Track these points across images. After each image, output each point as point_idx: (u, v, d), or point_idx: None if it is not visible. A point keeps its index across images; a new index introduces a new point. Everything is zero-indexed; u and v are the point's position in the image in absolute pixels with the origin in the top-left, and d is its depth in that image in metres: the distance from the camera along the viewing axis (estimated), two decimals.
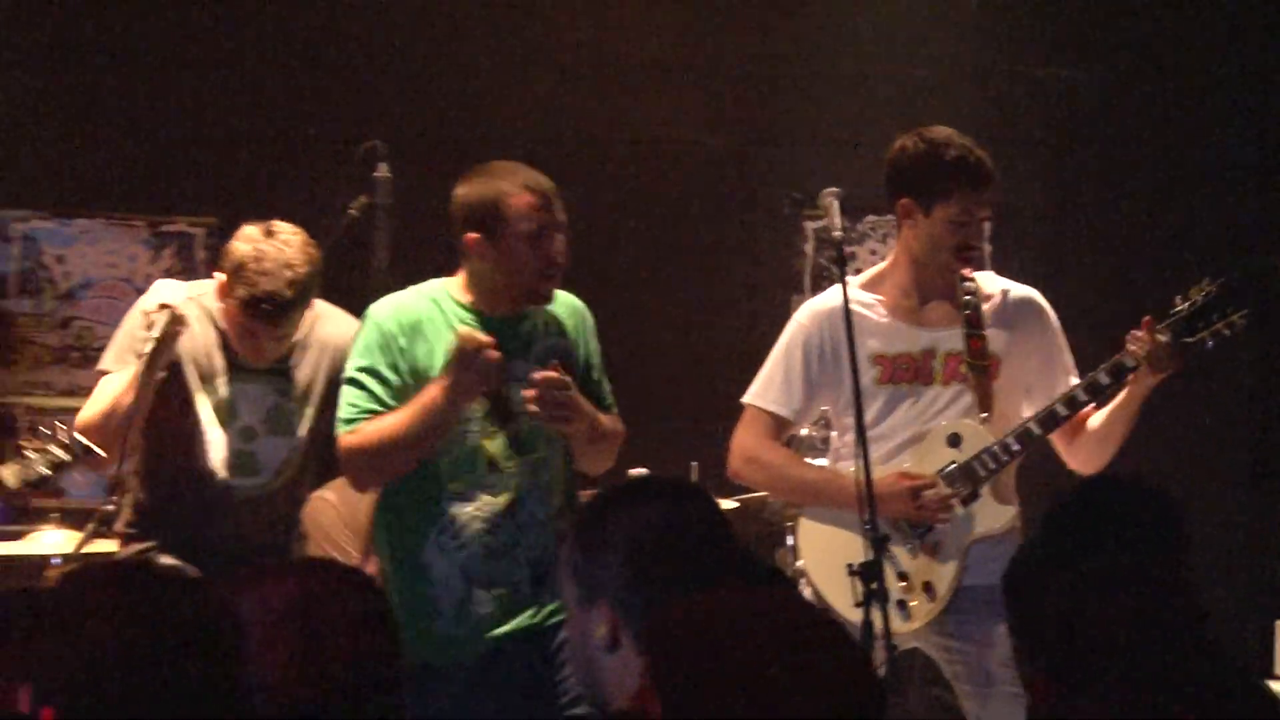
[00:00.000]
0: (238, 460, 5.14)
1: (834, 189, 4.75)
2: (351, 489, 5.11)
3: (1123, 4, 7.59)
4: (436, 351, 4.68)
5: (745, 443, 5.15)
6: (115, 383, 5.01)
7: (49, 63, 7.47)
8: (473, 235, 4.66)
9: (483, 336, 4.58)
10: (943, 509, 4.87)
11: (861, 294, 5.03)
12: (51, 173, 7.48)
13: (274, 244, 4.91)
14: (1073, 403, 4.92)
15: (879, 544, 4.38)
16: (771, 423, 5.14)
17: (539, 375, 4.60)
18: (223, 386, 5.15)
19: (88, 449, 4.96)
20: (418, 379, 4.67)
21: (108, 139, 7.47)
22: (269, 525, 5.19)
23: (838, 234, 4.66)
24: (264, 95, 7.50)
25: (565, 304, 4.87)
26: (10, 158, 7.23)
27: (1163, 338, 4.83)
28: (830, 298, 5.08)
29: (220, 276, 4.97)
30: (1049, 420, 4.91)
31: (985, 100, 7.32)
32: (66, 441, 4.98)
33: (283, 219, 5.00)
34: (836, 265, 4.64)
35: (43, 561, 6.20)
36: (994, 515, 4.97)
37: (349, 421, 4.70)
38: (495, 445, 4.71)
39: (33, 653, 2.53)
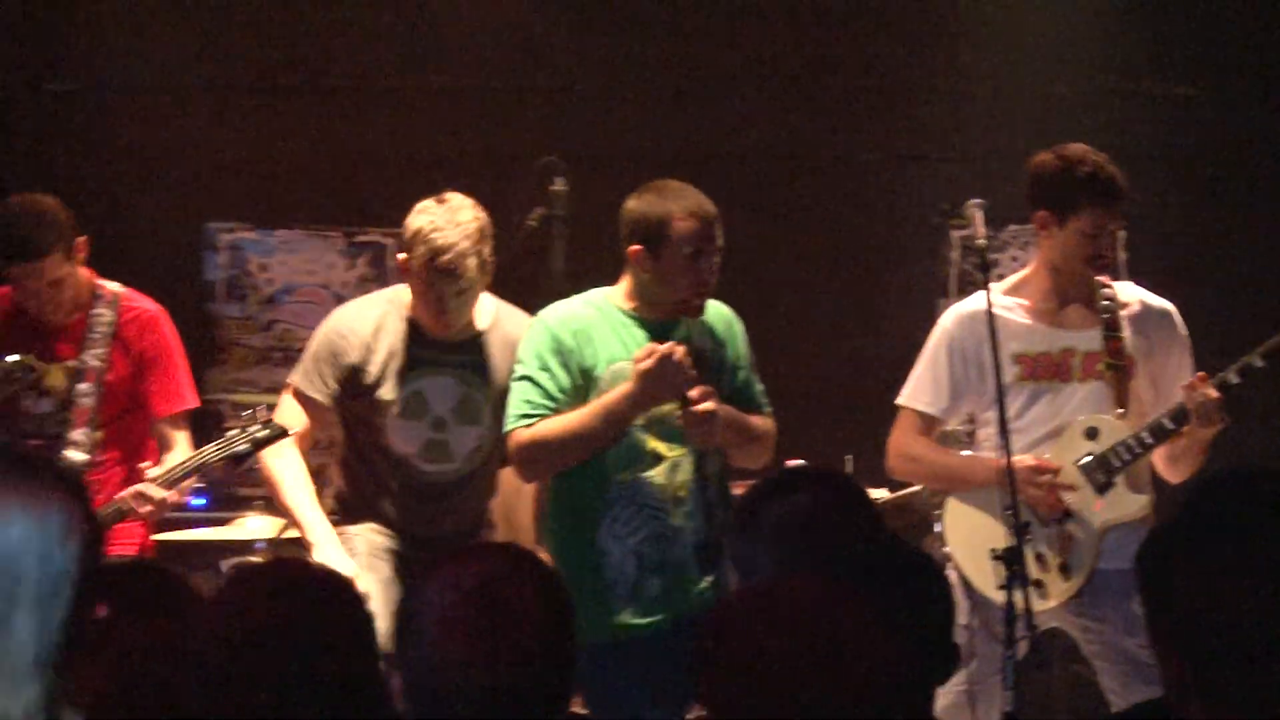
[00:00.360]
0: (431, 449, 5.18)
1: (978, 200, 4.81)
2: (512, 482, 5.23)
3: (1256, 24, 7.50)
4: (600, 353, 4.75)
5: (898, 441, 5.20)
6: (291, 410, 5.22)
7: (253, 93, 7.62)
8: (637, 248, 4.74)
9: (668, 345, 4.64)
10: (1052, 497, 4.90)
11: (1004, 299, 5.06)
12: (255, 189, 7.62)
13: (445, 208, 5.00)
14: (1180, 415, 4.96)
15: (1020, 530, 4.44)
16: (921, 421, 5.17)
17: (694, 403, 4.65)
18: (414, 380, 5.18)
19: (284, 431, 5.10)
20: (585, 378, 4.74)
21: (306, 159, 7.62)
22: (462, 511, 5.26)
23: (981, 242, 4.74)
24: (452, 117, 7.58)
25: (716, 311, 4.92)
26: (218, 176, 7.35)
27: (1211, 394, 4.86)
28: (973, 302, 5.12)
29: (402, 256, 5.08)
30: (1181, 416, 4.92)
31: (1119, 117, 7.23)
32: (266, 422, 5.10)
33: None
34: (980, 271, 4.73)
35: (247, 546, 6.23)
36: (1127, 503, 4.97)
37: (524, 416, 4.76)
38: (658, 438, 4.76)
39: (180, 630, 2.65)
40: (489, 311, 5.18)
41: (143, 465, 5.14)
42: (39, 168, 7.06)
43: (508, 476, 5.28)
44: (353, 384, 5.13)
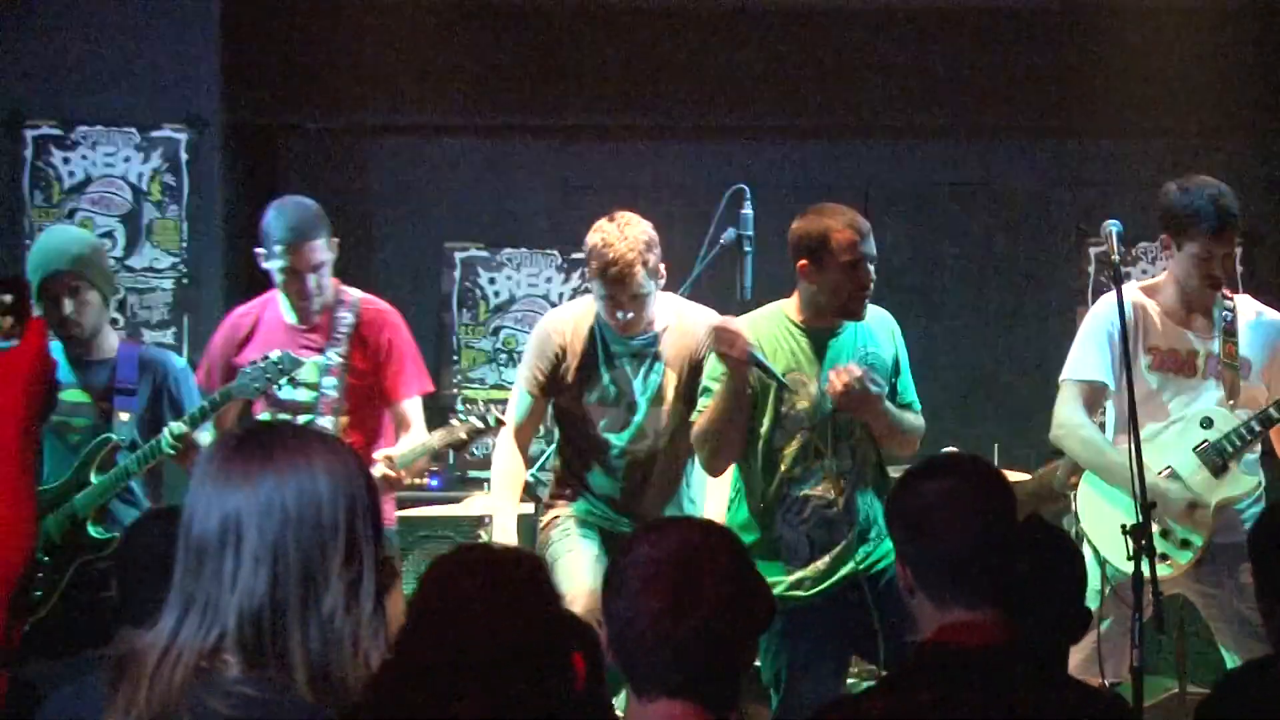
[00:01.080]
0: (629, 429, 5.25)
1: (1113, 221, 4.78)
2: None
3: None
4: (770, 358, 4.77)
5: (1063, 414, 5.12)
6: (516, 405, 5.31)
7: (485, 132, 7.80)
8: (804, 262, 4.78)
9: (722, 322, 4.68)
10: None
11: (1143, 296, 5.11)
12: (486, 214, 7.80)
13: (614, 225, 5.05)
14: None
15: (1148, 509, 4.33)
16: (1089, 391, 5.12)
17: (839, 370, 4.67)
18: (608, 372, 5.23)
19: (500, 422, 5.21)
20: (758, 381, 4.79)
21: (529, 189, 7.81)
22: (659, 484, 5.31)
23: (1115, 258, 4.69)
24: (654, 151, 7.71)
25: (876, 317, 4.93)
26: (455, 204, 7.47)
27: None
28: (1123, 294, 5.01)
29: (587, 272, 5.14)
30: None
31: (1239, 151, 7.21)
32: (484, 414, 5.22)
33: (666, 253, 5.17)
34: (1114, 283, 4.67)
35: (478, 521, 6.56)
36: (1239, 484, 5.00)
37: (698, 414, 4.85)
38: (821, 438, 4.79)
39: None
40: (671, 311, 5.24)
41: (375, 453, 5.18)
42: (302, 194, 6.89)
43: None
44: (557, 378, 5.25)
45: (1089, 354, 5.14)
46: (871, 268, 4.77)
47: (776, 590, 4.61)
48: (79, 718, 2.36)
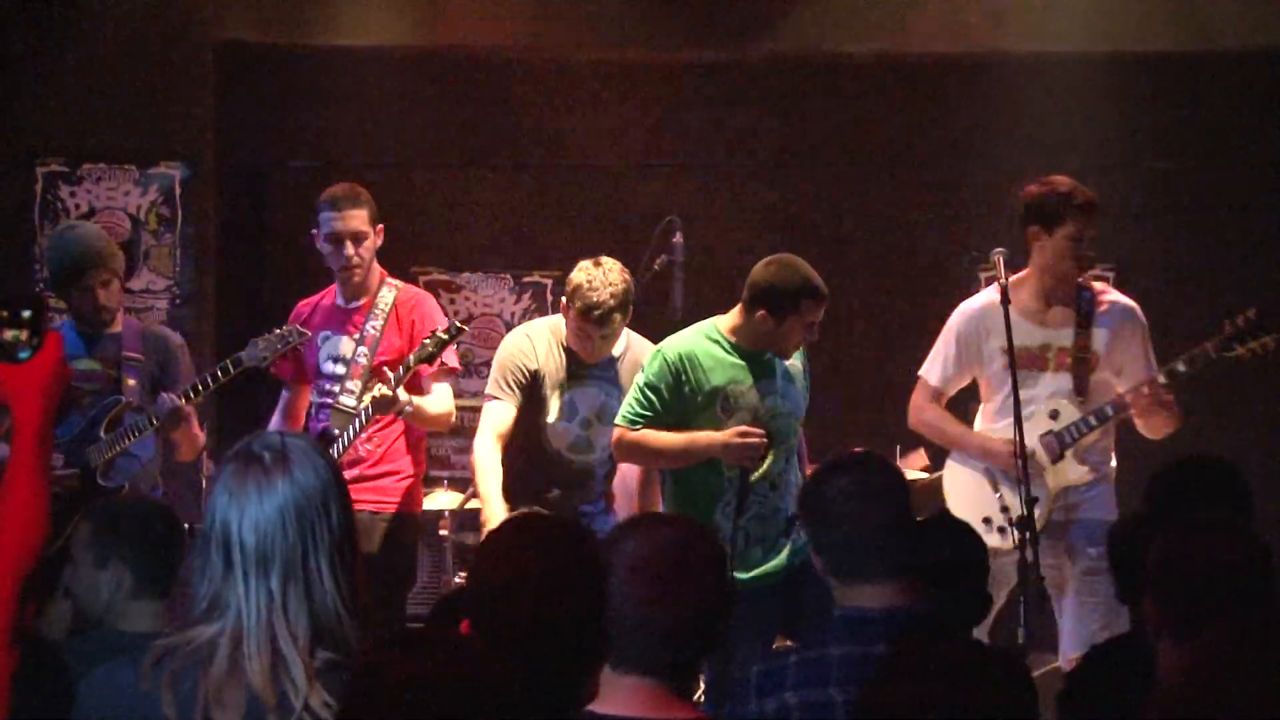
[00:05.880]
0: (578, 443, 5.30)
1: (1001, 249, 4.86)
2: (636, 471, 5.31)
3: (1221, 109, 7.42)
4: (705, 374, 4.80)
5: (915, 403, 5.30)
6: (491, 414, 5.25)
7: (446, 168, 7.74)
8: (763, 312, 4.75)
9: (759, 431, 4.69)
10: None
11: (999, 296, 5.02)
12: (447, 241, 7.75)
13: (600, 270, 5.07)
14: (1119, 404, 5.03)
15: (1031, 503, 4.48)
16: (930, 390, 5.26)
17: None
18: (567, 391, 5.26)
19: (461, 329, 5.16)
20: (695, 393, 4.81)
21: (486, 220, 7.73)
22: (594, 491, 5.36)
23: (1002, 280, 4.77)
24: (592, 185, 7.67)
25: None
26: (418, 233, 7.39)
27: (1145, 392, 4.95)
28: (975, 300, 5.22)
29: (564, 300, 5.21)
30: (1119, 406, 5.01)
31: (1112, 185, 6.88)
32: (448, 326, 5.14)
33: None
34: (1003, 304, 4.74)
35: (437, 516, 6.46)
36: (1071, 472, 5.01)
37: (630, 420, 4.88)
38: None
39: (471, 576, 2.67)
40: (623, 340, 5.30)
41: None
42: (286, 228, 7.25)
43: (632, 468, 5.36)
44: (528, 393, 5.25)
45: (935, 358, 5.26)
46: (814, 332, 4.84)
47: None
48: (117, 703, 2.30)
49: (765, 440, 4.71)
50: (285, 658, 2.24)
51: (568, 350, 5.26)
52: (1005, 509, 4.94)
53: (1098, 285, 5.29)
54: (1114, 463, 5.22)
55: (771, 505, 4.85)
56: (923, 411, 5.30)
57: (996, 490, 5.03)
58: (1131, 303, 5.24)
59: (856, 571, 2.97)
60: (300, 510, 2.28)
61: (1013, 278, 4.97)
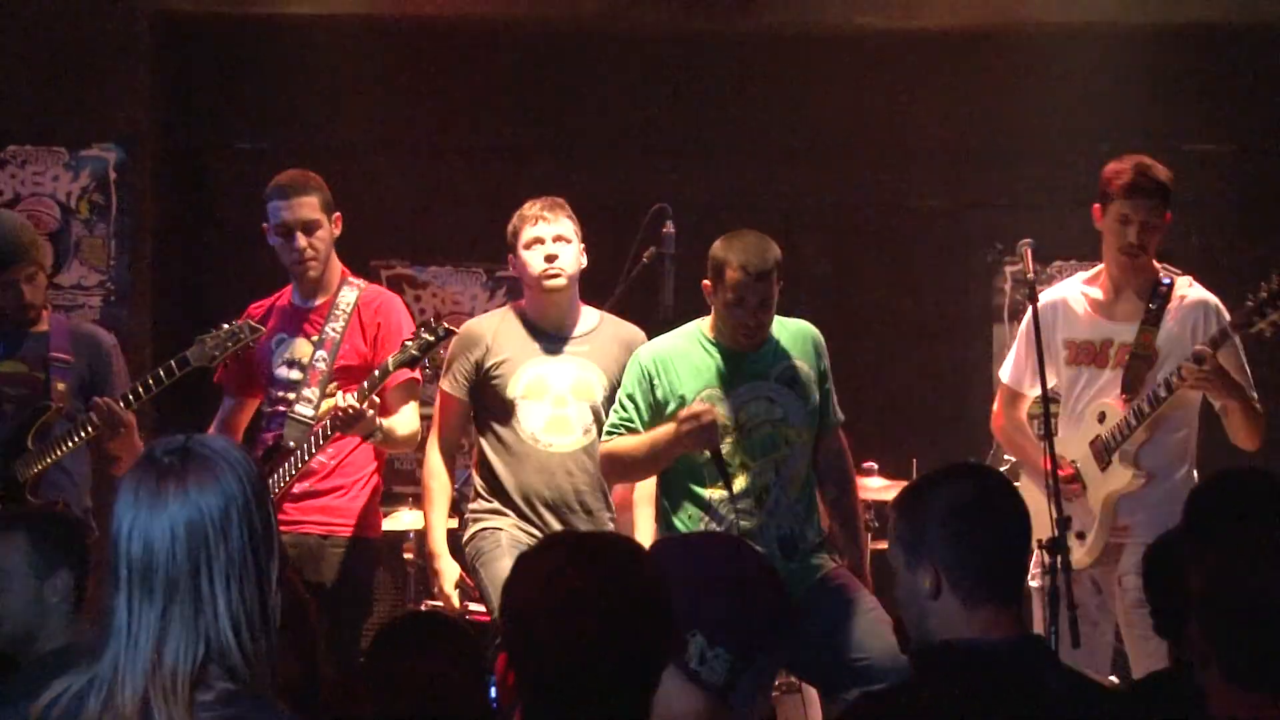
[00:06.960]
0: (553, 423, 5.13)
1: (1028, 240, 4.82)
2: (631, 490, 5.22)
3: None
4: (678, 380, 4.75)
5: (996, 412, 5.28)
6: (445, 413, 5.19)
7: (412, 152, 7.75)
8: (707, 283, 4.72)
9: (707, 408, 4.62)
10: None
11: (1078, 288, 5.07)
12: (412, 232, 7.76)
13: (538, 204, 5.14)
14: (1156, 397, 4.88)
15: (1063, 524, 4.43)
16: (1008, 391, 5.23)
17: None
18: (536, 366, 5.14)
19: (450, 332, 5.04)
20: (668, 400, 4.74)
21: (454, 207, 7.72)
22: (582, 478, 5.16)
23: (1030, 276, 4.75)
24: (581, 170, 7.54)
25: (796, 331, 4.85)
26: (379, 222, 7.40)
27: (1195, 364, 4.79)
28: (1050, 294, 5.13)
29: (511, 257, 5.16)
30: (1154, 399, 4.88)
31: None
32: (434, 327, 5.01)
33: (591, 270, 5.19)
34: (1029, 300, 4.73)
35: (401, 535, 6.42)
36: (1119, 477, 4.91)
37: (609, 431, 4.83)
38: (744, 452, 4.70)
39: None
40: (595, 316, 5.23)
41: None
42: (231, 217, 7.32)
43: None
44: (481, 376, 5.13)
45: (1009, 358, 5.28)
46: (760, 308, 4.68)
47: None
48: None
49: (714, 414, 4.61)
50: (163, 695, 2.20)
51: (529, 323, 5.20)
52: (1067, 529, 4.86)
53: (1181, 279, 5.14)
54: (1188, 472, 5.03)
55: (757, 523, 4.70)
56: (997, 419, 5.31)
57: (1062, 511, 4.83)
58: (1212, 298, 5.08)
59: (988, 594, 2.84)
60: (192, 527, 2.22)
61: (1096, 268, 5.09)
